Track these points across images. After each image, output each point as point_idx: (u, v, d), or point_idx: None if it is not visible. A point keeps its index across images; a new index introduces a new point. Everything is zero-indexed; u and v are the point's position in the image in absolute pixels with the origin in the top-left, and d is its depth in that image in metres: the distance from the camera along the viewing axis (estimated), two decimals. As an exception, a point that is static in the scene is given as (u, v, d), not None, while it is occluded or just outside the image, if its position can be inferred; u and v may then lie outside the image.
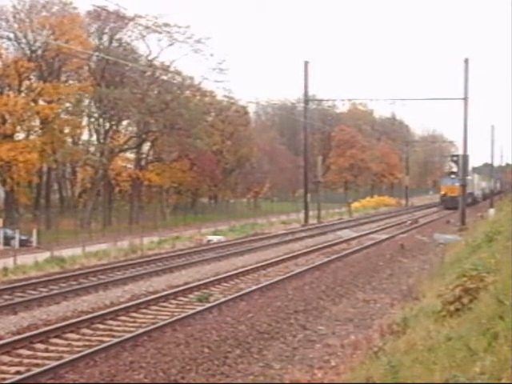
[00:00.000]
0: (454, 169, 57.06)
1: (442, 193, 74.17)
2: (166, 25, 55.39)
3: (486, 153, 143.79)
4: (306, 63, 53.82)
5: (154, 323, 15.58)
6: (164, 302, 18.65)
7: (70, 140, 58.84)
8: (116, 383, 11.19)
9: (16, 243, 34.57)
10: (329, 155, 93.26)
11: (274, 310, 16.90)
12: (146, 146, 63.70)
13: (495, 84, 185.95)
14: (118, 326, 15.81)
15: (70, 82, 57.04)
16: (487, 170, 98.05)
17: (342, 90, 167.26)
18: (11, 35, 51.20)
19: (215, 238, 38.14)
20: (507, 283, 9.04)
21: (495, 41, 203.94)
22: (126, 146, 60.38)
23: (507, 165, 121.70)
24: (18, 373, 11.85)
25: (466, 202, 49.15)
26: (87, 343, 14.06)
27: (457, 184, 67.20)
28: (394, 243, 34.27)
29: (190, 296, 19.54)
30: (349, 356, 11.85)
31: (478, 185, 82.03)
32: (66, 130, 56.76)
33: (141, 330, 14.61)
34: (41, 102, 52.07)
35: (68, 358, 12.51)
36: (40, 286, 21.37)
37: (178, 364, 12.03)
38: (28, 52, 51.77)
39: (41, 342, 14.12)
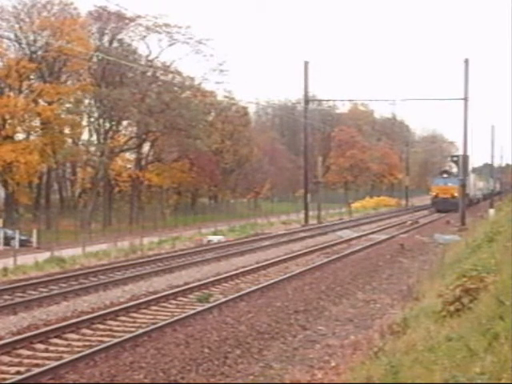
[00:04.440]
0: (454, 169, 56.88)
1: (433, 194, 70.35)
2: (167, 25, 55.44)
3: (486, 153, 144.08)
4: (306, 63, 53.82)
5: (154, 323, 15.58)
6: (164, 302, 18.64)
7: (70, 140, 58.81)
8: (116, 383, 11.19)
9: (16, 243, 34.54)
10: (329, 155, 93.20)
11: (274, 310, 16.89)
12: (146, 147, 63.70)
13: (495, 84, 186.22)
14: (118, 326, 15.81)
15: (70, 82, 57.00)
16: (487, 170, 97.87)
17: (343, 90, 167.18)
18: (12, 35, 51.25)
19: (215, 238, 38.14)
20: (507, 283, 9.04)
21: (495, 41, 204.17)
22: (126, 147, 60.37)
23: (507, 165, 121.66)
24: (18, 373, 11.85)
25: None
26: (87, 343, 14.06)
27: (450, 184, 66.26)
28: (394, 243, 34.25)
29: (190, 296, 19.54)
30: (349, 356, 11.85)
31: (475, 185, 78.16)
32: (66, 131, 56.75)
33: (141, 331, 14.61)
34: (41, 103, 52.05)
35: (68, 358, 12.50)
36: (40, 286, 21.36)
37: (178, 364, 12.02)
38: (28, 52, 51.77)
39: (41, 342, 14.11)
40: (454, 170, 59.44)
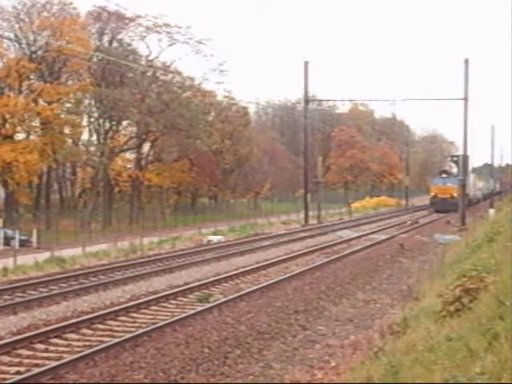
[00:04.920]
0: (454, 169, 56.76)
1: (432, 194, 69.40)
2: (167, 25, 55.43)
3: (486, 153, 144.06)
4: (306, 63, 53.82)
5: (154, 323, 15.58)
6: (164, 302, 18.64)
7: (70, 140, 58.86)
8: (116, 383, 11.19)
9: (16, 243, 34.53)
10: (329, 155, 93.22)
11: (274, 310, 16.89)
12: (146, 147, 63.71)
13: (495, 84, 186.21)
14: (118, 326, 15.81)
15: (70, 82, 57.04)
16: (487, 170, 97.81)
17: (343, 90, 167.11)
18: (12, 35, 51.25)
19: (215, 238, 38.14)
20: (507, 283, 9.04)
21: (495, 41, 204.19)
22: (126, 147, 60.39)
23: (507, 165, 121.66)
24: (18, 373, 11.85)
25: (459, 204, 48.51)
26: (87, 343, 14.06)
27: (449, 184, 65.87)
28: (394, 243, 34.26)
29: (190, 296, 19.54)
30: (349, 356, 11.85)
31: (475, 185, 76.63)
32: (66, 131, 56.76)
33: (141, 331, 14.61)
34: (41, 103, 52.06)
35: (68, 358, 12.50)
36: (40, 286, 21.36)
37: (178, 364, 12.02)
38: (28, 52, 51.77)
39: (41, 342, 14.11)
40: (454, 170, 59.30)
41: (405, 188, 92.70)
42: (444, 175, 69.52)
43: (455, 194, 60.87)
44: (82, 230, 44.14)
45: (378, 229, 45.65)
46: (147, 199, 65.56)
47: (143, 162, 62.75)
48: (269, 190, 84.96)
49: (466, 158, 47.23)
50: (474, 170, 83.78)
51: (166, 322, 15.48)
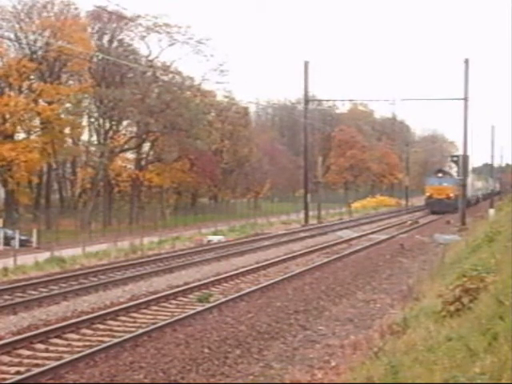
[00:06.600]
0: (454, 169, 56.65)
1: (428, 194, 66.53)
2: (167, 25, 55.42)
3: (486, 153, 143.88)
4: (306, 63, 53.85)
5: (154, 323, 15.58)
6: (164, 302, 18.65)
7: (70, 140, 58.82)
8: (116, 383, 11.19)
9: (16, 243, 34.49)
10: (329, 155, 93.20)
11: (274, 310, 16.90)
12: (146, 147, 63.67)
13: (495, 84, 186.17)
14: (118, 326, 15.82)
15: (71, 82, 57.05)
16: (487, 170, 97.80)
17: (343, 90, 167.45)
18: (12, 35, 51.22)
19: (215, 238, 38.14)
20: (507, 283, 9.05)
21: (495, 41, 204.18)
22: (126, 147, 60.36)
23: (507, 165, 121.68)
24: (18, 373, 11.85)
25: (456, 205, 48.35)
26: (87, 343, 14.06)
27: (445, 184, 64.89)
28: (394, 243, 34.27)
29: (190, 296, 19.54)
30: (349, 356, 11.84)
31: (473, 185, 73.79)
32: (66, 130, 56.74)
33: (141, 330, 14.61)
34: (41, 103, 52.04)
35: (68, 358, 12.51)
36: (40, 286, 21.36)
37: (178, 364, 12.03)
38: (29, 52, 51.75)
39: (41, 342, 14.11)
40: (454, 169, 59.12)
41: (405, 188, 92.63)
42: (440, 174, 67.52)
43: (451, 195, 60.48)
44: (82, 230, 44.09)
45: (378, 229, 45.66)
46: (147, 199, 65.52)
47: (143, 162, 62.69)
48: (269, 190, 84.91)
49: (465, 158, 47.23)
50: (474, 170, 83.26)
51: (166, 321, 15.49)
